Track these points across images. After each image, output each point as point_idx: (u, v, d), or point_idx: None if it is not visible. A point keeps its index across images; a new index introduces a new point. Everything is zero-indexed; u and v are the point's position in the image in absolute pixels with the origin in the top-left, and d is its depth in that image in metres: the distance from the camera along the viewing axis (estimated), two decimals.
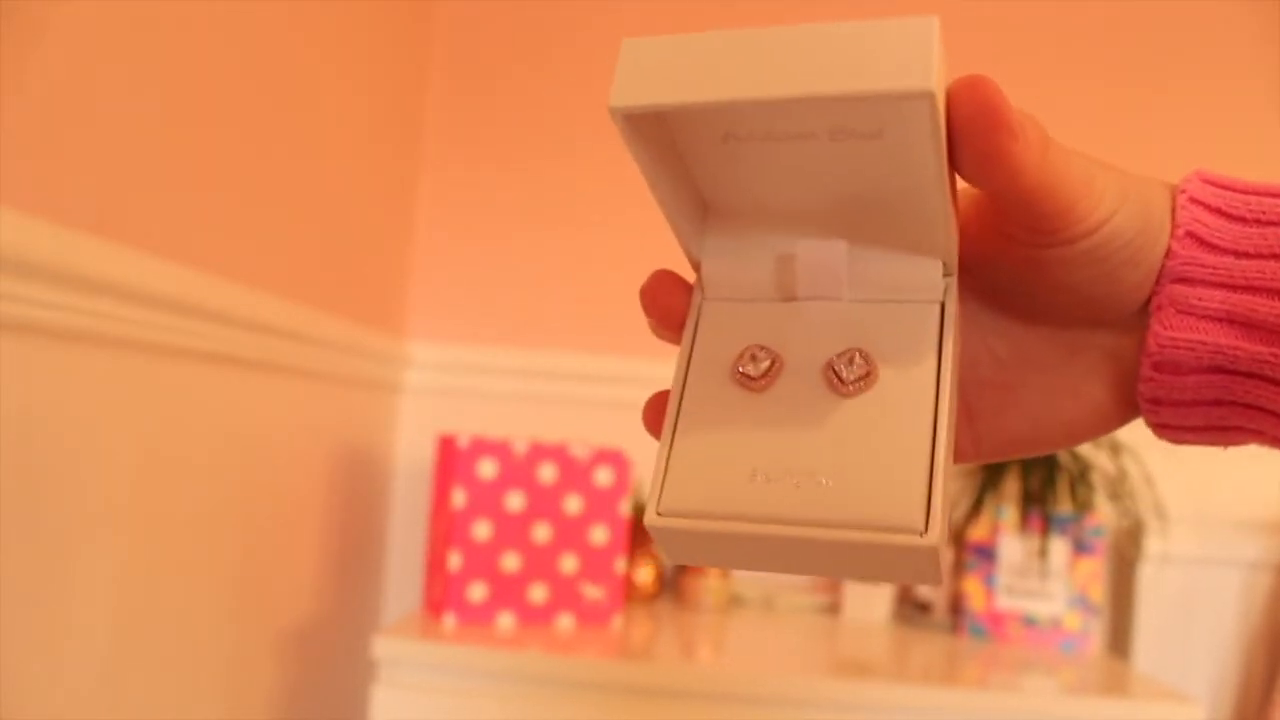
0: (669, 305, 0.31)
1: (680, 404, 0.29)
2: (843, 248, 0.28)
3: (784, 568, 0.27)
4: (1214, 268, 0.28)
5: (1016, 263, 0.29)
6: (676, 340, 0.31)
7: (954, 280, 0.29)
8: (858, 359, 0.28)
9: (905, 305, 0.29)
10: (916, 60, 0.23)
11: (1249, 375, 0.28)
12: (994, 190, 0.26)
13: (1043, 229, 0.27)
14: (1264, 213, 0.28)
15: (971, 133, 0.25)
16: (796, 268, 0.29)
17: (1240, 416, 0.29)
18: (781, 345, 0.29)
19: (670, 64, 0.25)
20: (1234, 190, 0.29)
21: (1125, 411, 0.31)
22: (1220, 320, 0.28)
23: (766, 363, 0.28)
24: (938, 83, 0.23)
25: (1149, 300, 0.29)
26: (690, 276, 0.32)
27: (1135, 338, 0.30)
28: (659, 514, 0.27)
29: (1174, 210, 0.28)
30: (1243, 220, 0.28)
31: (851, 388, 0.27)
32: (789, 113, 0.26)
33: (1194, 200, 0.28)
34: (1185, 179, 0.29)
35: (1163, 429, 0.31)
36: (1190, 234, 0.28)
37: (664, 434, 0.28)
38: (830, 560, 0.26)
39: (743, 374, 0.28)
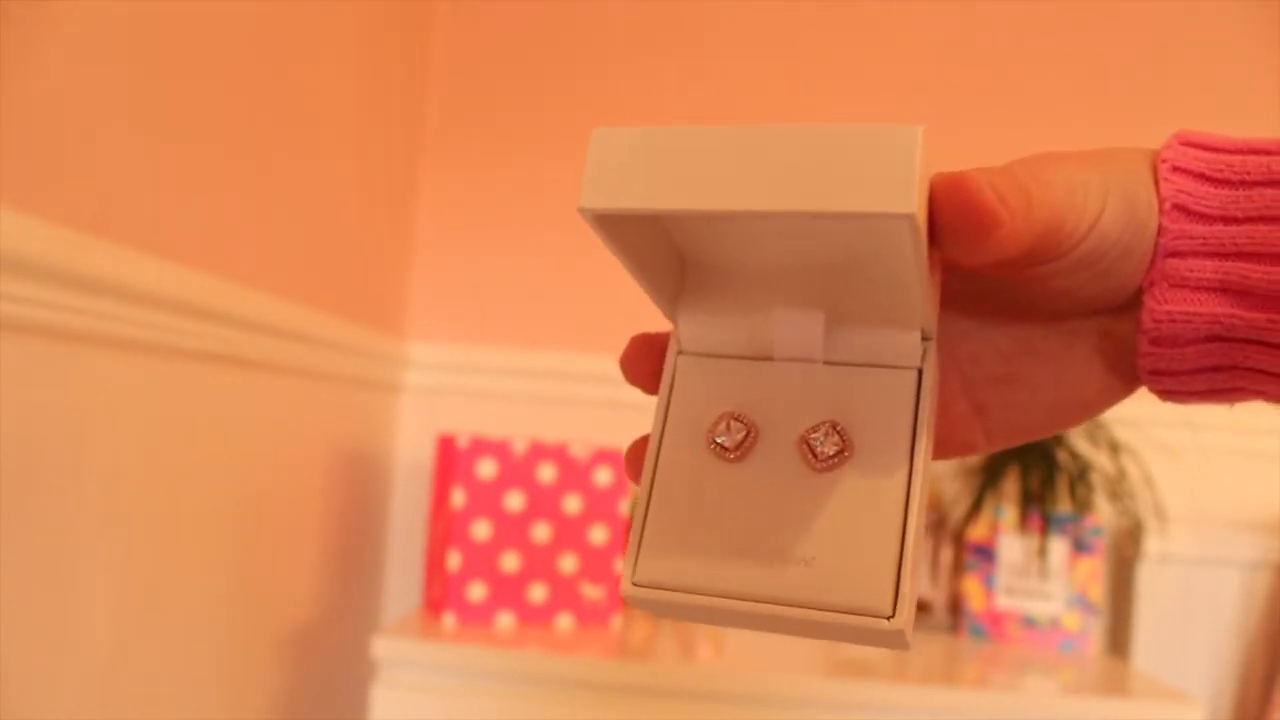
0: (649, 372, 0.31)
1: (655, 469, 0.29)
2: (820, 317, 0.28)
3: (759, 630, 0.27)
4: (1204, 238, 0.27)
5: (1009, 278, 0.29)
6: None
7: (933, 344, 0.29)
8: (833, 434, 0.27)
9: (882, 371, 0.29)
10: (898, 179, 0.23)
11: (1247, 341, 0.28)
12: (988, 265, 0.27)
13: (1033, 257, 0.27)
14: (1248, 173, 0.27)
15: (959, 233, 0.25)
16: (774, 333, 0.29)
17: (1242, 379, 0.29)
18: (756, 412, 0.29)
19: (643, 161, 0.25)
20: (1216, 150, 0.28)
21: (1131, 384, 0.31)
22: (1214, 290, 0.27)
23: (741, 434, 0.28)
24: (919, 201, 0.23)
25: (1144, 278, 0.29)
26: (664, 327, 0.31)
27: (1133, 315, 0.30)
28: (634, 584, 0.27)
29: (1157, 182, 0.28)
30: (1228, 183, 0.27)
31: (826, 464, 0.27)
32: None
33: (1176, 169, 0.28)
34: (1166, 144, 0.29)
35: (1166, 394, 0.31)
36: (1177, 206, 0.28)
37: (639, 498, 0.29)
38: (802, 630, 0.27)
39: (718, 445, 0.28)
